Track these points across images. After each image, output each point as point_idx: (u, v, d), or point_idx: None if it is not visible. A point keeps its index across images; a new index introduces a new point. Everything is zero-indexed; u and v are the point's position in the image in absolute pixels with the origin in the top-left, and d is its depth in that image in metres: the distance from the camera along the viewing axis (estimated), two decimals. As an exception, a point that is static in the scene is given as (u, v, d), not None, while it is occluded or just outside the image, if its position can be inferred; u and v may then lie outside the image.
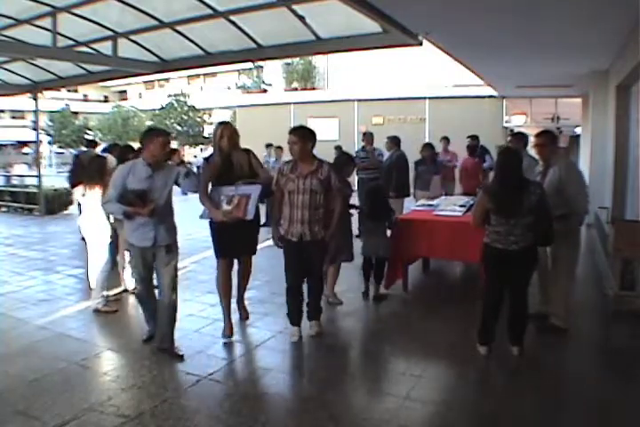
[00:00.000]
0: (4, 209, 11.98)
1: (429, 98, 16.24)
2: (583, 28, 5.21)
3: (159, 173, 3.55)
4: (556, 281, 4.07)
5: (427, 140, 14.77)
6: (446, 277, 6.12)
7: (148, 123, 29.23)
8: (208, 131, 28.36)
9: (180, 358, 3.58)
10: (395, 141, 7.77)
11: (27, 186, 12.59)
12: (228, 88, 32.35)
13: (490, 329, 3.63)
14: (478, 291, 4.41)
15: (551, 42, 5.95)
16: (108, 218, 4.61)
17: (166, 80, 36.76)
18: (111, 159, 5.51)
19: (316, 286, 3.99)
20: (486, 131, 12.05)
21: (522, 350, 3.60)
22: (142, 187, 3.47)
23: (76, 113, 33.69)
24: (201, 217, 4.00)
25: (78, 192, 4.77)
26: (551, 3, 4.42)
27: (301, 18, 5.57)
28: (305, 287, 3.97)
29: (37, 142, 12.71)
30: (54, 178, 15.39)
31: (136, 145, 4.46)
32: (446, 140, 9.37)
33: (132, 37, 6.91)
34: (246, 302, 4.41)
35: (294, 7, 5.41)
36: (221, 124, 4.00)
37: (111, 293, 4.92)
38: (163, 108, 28.08)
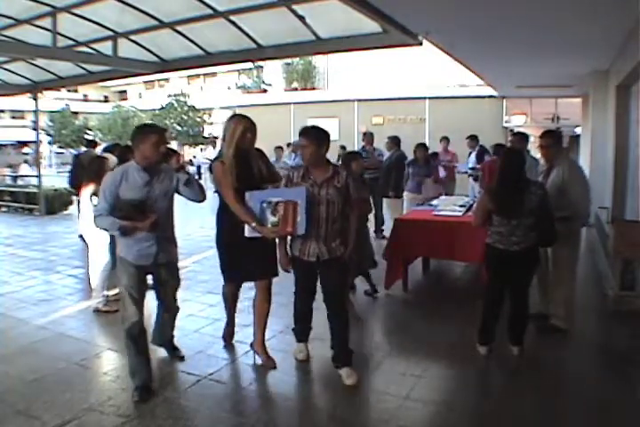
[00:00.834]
0: (4, 209, 11.98)
1: (429, 98, 16.26)
2: (583, 28, 5.21)
3: (158, 179, 3.06)
4: (556, 282, 4.07)
5: (427, 141, 14.88)
6: (446, 277, 6.12)
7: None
8: (208, 131, 28.34)
9: (181, 358, 3.57)
10: (395, 141, 7.78)
11: (27, 186, 12.60)
12: (228, 88, 32.32)
13: (490, 329, 3.63)
14: (478, 291, 4.41)
15: (551, 42, 5.95)
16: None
17: (166, 80, 36.72)
18: (112, 159, 5.50)
19: (341, 319, 3.29)
20: (486, 131, 12.06)
21: (522, 350, 3.60)
22: (139, 196, 2.98)
23: (76, 113, 33.66)
24: (246, 236, 3.17)
25: (87, 192, 4.69)
26: (551, 3, 4.42)
27: (301, 18, 5.57)
28: (313, 315, 3.57)
29: (37, 142, 12.70)
30: (54, 178, 15.40)
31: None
32: (446, 140, 9.37)
33: (132, 37, 6.91)
34: (246, 303, 4.29)
35: (294, 7, 5.41)
36: (240, 116, 3.33)
37: (111, 293, 4.91)
38: (163, 108, 28.05)
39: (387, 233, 6.35)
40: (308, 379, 3.38)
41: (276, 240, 3.31)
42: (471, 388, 3.32)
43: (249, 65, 25.89)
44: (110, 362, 3.63)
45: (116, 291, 5.03)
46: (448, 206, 5.57)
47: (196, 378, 3.29)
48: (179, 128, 27.47)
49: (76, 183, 6.23)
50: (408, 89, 16.53)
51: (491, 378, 3.54)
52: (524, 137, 5.62)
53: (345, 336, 3.31)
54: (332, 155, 4.19)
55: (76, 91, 37.36)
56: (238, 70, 31.17)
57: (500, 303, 3.61)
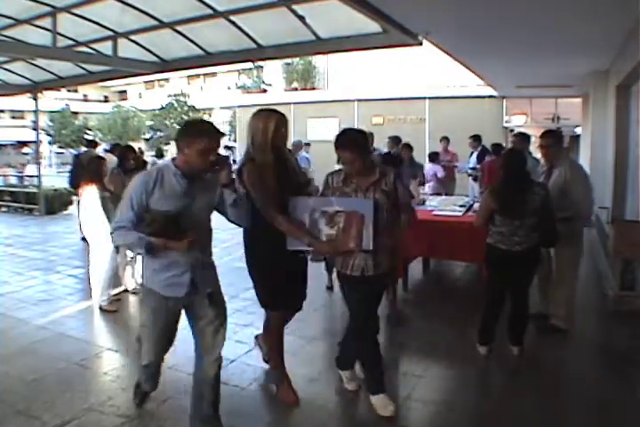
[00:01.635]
0: (4, 209, 11.98)
1: (429, 98, 16.25)
2: (583, 28, 5.21)
3: (201, 188, 2.46)
4: (558, 282, 4.06)
5: (427, 140, 14.89)
6: (446, 277, 6.12)
7: (148, 123, 29.26)
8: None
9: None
10: (395, 141, 7.77)
11: (26, 186, 12.60)
12: (228, 88, 32.36)
13: (490, 329, 3.63)
14: (478, 291, 4.41)
15: (551, 42, 5.95)
16: (109, 218, 4.60)
17: (166, 80, 36.77)
18: (111, 159, 5.51)
19: (374, 343, 2.91)
20: (486, 131, 12.05)
21: (522, 350, 3.60)
22: (176, 208, 2.37)
23: (76, 113, 33.71)
24: (288, 248, 2.79)
25: (87, 192, 4.68)
26: (551, 3, 4.42)
27: (301, 18, 5.56)
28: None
29: (37, 142, 12.71)
30: (54, 178, 15.40)
31: (136, 145, 4.46)
32: (446, 140, 9.37)
33: (132, 37, 6.90)
34: (246, 303, 4.29)
35: (294, 7, 5.41)
36: (268, 111, 2.88)
37: (112, 292, 4.91)
38: (163, 108, 28.12)
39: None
40: (308, 379, 3.37)
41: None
42: (471, 388, 3.32)
43: (249, 65, 25.92)
44: (110, 362, 3.63)
45: (115, 291, 5.06)
46: (448, 206, 5.57)
47: (196, 378, 3.28)
48: (179, 128, 27.51)
49: (77, 183, 6.23)
50: (408, 89, 16.52)
51: (491, 378, 3.54)
52: (525, 137, 5.61)
53: (379, 362, 2.94)
54: (331, 156, 4.03)
55: (76, 91, 37.39)
56: (238, 70, 31.21)
57: (501, 303, 3.61)
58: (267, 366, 3.45)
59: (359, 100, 17.26)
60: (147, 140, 30.59)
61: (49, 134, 30.75)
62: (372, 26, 5.36)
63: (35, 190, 11.43)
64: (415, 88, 16.48)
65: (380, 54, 13.76)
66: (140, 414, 2.84)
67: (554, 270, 4.10)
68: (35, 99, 11.18)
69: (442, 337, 4.02)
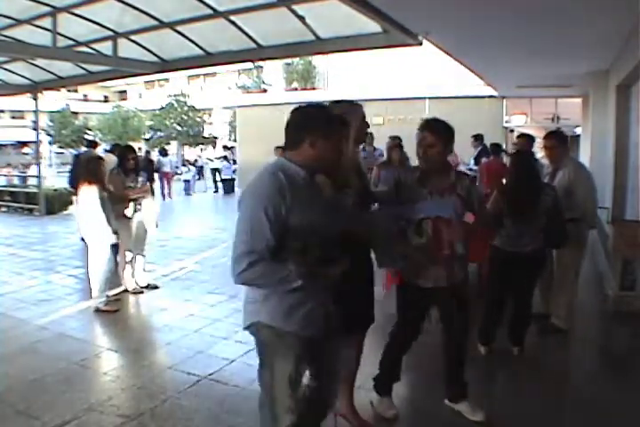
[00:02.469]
0: (4, 209, 11.98)
1: (429, 98, 16.24)
2: (583, 28, 5.20)
3: (343, 194, 2.12)
4: (559, 282, 4.06)
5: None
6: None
7: (148, 123, 29.28)
8: (208, 131, 28.38)
9: None
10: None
11: (27, 186, 12.61)
12: (228, 88, 32.37)
13: (491, 329, 3.63)
14: (478, 291, 4.41)
15: (551, 42, 5.95)
16: (108, 218, 4.59)
17: (166, 80, 36.77)
18: (111, 159, 5.52)
19: (461, 353, 2.84)
20: (486, 131, 12.04)
21: (522, 350, 3.60)
22: (322, 219, 1.81)
23: (76, 113, 33.73)
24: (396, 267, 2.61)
25: (87, 193, 4.67)
26: (551, 2, 4.42)
27: (301, 18, 5.57)
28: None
29: (37, 142, 12.71)
30: (55, 178, 15.41)
31: (136, 145, 4.43)
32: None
33: (132, 37, 6.91)
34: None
35: (294, 7, 5.41)
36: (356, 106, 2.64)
37: (112, 293, 4.91)
38: (163, 108, 28.12)
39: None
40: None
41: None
42: (471, 388, 3.31)
43: (249, 65, 25.91)
44: (110, 362, 3.63)
45: (116, 291, 5.06)
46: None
47: (196, 378, 3.28)
48: (179, 128, 27.51)
49: (77, 183, 6.24)
50: (408, 89, 16.51)
51: (491, 378, 3.54)
52: (530, 138, 5.56)
53: (462, 370, 2.84)
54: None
55: (76, 91, 37.39)
56: (238, 70, 31.23)
57: (502, 304, 3.61)
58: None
59: (359, 100, 17.26)
60: (147, 140, 30.60)
61: (49, 134, 30.76)
62: (372, 26, 5.36)
63: (35, 190, 11.44)
64: (415, 88, 16.47)
65: (380, 54, 13.75)
66: (140, 414, 2.84)
67: (555, 271, 4.10)
68: (35, 99, 11.19)
69: (441, 337, 4.01)
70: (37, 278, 5.79)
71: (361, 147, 9.11)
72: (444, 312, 2.79)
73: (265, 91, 23.35)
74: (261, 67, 28.47)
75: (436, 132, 2.55)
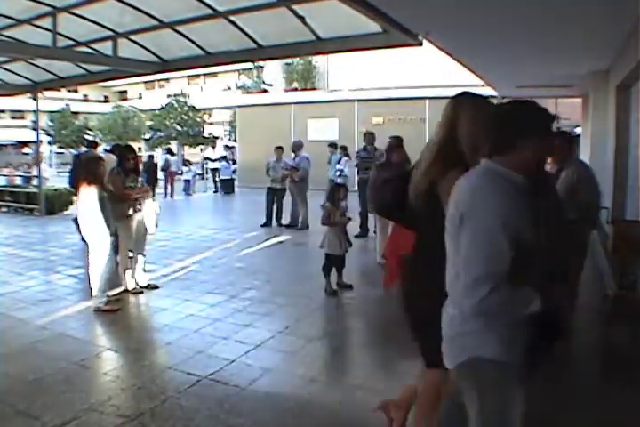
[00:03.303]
0: (4, 209, 11.99)
1: (429, 98, 16.24)
2: (583, 28, 5.21)
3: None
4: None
5: (427, 141, 14.87)
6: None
7: (148, 123, 29.27)
8: (208, 131, 28.37)
9: None
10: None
11: (27, 186, 12.61)
12: (228, 88, 32.36)
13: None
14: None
15: (551, 42, 5.94)
16: (107, 218, 4.59)
17: (166, 80, 36.76)
18: (111, 159, 5.52)
19: None
20: (486, 131, 12.05)
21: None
22: (548, 235, 1.69)
23: (76, 113, 33.70)
24: None
25: (87, 193, 4.66)
26: (551, 3, 4.42)
27: (301, 18, 5.57)
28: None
29: (37, 142, 12.71)
30: (55, 178, 15.41)
31: (136, 145, 4.42)
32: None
33: (132, 37, 6.91)
34: (246, 303, 4.21)
35: (294, 7, 5.41)
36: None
37: (112, 293, 4.91)
38: (163, 108, 28.07)
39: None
40: (308, 379, 3.38)
41: None
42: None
43: (249, 65, 25.92)
44: (110, 362, 3.63)
45: (116, 291, 5.06)
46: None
47: (196, 378, 3.28)
48: (179, 128, 27.49)
49: (77, 183, 6.24)
50: (408, 89, 16.52)
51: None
52: None
53: None
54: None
55: (75, 91, 37.41)
56: (238, 70, 31.21)
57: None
58: (266, 366, 3.46)
59: (359, 100, 17.27)
60: (147, 140, 30.58)
61: (49, 134, 30.72)
62: (373, 26, 5.37)
63: (35, 190, 11.44)
64: (415, 88, 16.48)
65: (380, 54, 13.74)
66: (140, 414, 2.84)
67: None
68: (35, 99, 11.19)
69: (442, 337, 4.02)
70: (37, 278, 5.80)
71: (361, 147, 9.17)
72: None
73: (265, 91, 23.36)
74: (261, 67, 28.46)
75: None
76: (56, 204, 11.22)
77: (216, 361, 3.56)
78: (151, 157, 15.00)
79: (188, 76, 36.58)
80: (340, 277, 5.17)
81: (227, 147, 21.53)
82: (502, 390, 1.63)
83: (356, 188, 8.41)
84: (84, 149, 10.49)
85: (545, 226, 1.68)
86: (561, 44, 6.10)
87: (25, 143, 31.46)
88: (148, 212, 5.23)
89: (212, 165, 16.32)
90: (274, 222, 9.40)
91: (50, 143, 31.60)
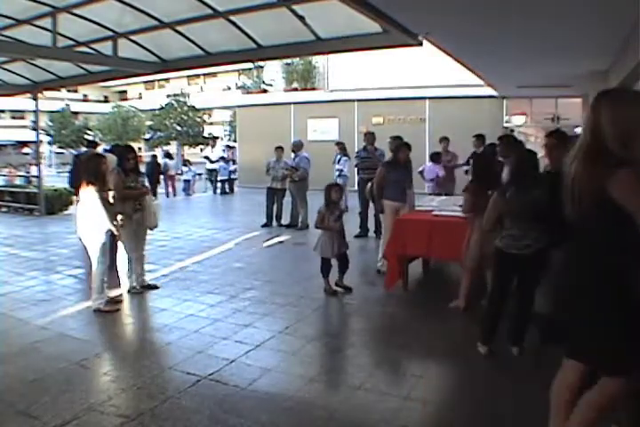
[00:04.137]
0: (4, 209, 11.98)
1: (429, 98, 16.24)
2: (583, 28, 5.21)
3: None
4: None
5: (427, 141, 14.89)
6: (446, 277, 6.12)
7: (148, 123, 29.28)
8: (208, 131, 28.38)
9: None
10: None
11: (27, 186, 12.61)
12: (228, 88, 32.37)
13: (492, 329, 3.63)
14: (479, 291, 4.41)
15: (551, 42, 5.95)
16: (108, 219, 4.58)
17: (166, 80, 36.77)
18: (111, 158, 5.51)
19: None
20: (486, 131, 12.05)
21: (522, 350, 3.60)
22: None
23: (76, 113, 33.73)
24: None
25: (87, 193, 4.66)
26: (551, 3, 4.42)
27: (301, 18, 5.57)
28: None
29: (37, 142, 12.71)
30: (55, 178, 15.41)
31: (136, 145, 4.43)
32: (446, 140, 9.36)
33: (132, 37, 6.92)
34: (246, 303, 4.25)
35: (294, 7, 5.42)
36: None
37: (112, 293, 4.91)
38: (163, 108, 28.08)
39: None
40: (307, 379, 3.38)
41: None
42: (472, 388, 3.31)
43: (249, 65, 25.91)
44: (110, 362, 3.64)
45: (116, 291, 5.06)
46: (448, 206, 5.56)
47: (196, 378, 3.28)
48: (179, 128, 27.50)
49: (77, 183, 6.24)
50: (408, 89, 16.51)
51: (491, 378, 3.53)
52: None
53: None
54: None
55: (75, 91, 37.42)
56: (238, 70, 31.21)
57: (503, 304, 3.61)
58: (266, 366, 3.45)
59: (359, 100, 17.25)
60: (147, 140, 30.58)
61: (49, 134, 30.73)
62: (373, 26, 5.37)
63: (35, 190, 11.44)
64: (415, 88, 16.46)
65: (381, 54, 13.74)
66: (140, 414, 2.84)
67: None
68: (35, 99, 11.19)
69: (442, 337, 4.02)
70: (37, 278, 5.79)
71: (362, 147, 9.16)
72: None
73: (265, 91, 23.35)
74: (261, 67, 28.46)
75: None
76: (56, 204, 11.21)
77: (216, 361, 3.56)
78: (154, 156, 15.02)
79: (188, 76, 36.61)
80: (342, 278, 5.16)
81: (227, 147, 21.51)
82: None
83: (356, 188, 8.41)
84: (83, 149, 10.49)
85: None
86: (561, 45, 6.11)
87: (25, 143, 31.48)
88: (149, 212, 5.22)
89: (210, 166, 16.30)
90: (274, 222, 9.41)
91: (50, 143, 31.61)
